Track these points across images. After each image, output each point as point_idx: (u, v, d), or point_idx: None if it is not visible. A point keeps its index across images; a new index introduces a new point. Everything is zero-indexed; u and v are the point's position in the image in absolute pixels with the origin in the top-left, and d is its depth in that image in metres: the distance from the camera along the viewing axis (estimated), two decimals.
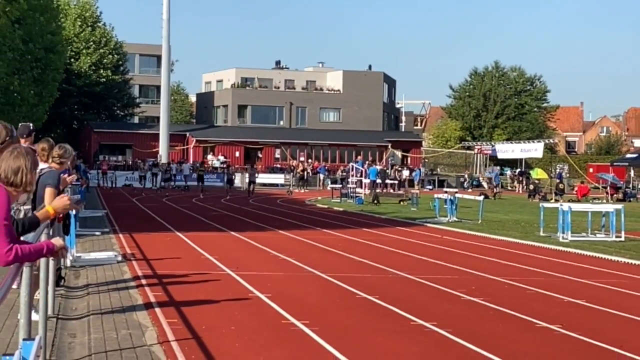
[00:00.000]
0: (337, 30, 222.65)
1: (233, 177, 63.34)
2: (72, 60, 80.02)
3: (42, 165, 10.29)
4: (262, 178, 69.98)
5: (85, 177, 55.31)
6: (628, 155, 70.14)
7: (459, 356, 9.03)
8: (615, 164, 67.78)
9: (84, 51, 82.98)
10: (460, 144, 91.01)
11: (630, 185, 61.52)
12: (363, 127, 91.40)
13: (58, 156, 11.00)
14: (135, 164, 75.25)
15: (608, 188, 58.17)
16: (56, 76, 54.00)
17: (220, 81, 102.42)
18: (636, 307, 12.54)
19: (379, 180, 55.64)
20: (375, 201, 44.58)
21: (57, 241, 5.69)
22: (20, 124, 11.84)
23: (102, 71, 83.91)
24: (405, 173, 72.43)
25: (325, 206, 41.65)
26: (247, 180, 56.80)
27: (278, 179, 71.92)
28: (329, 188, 54.76)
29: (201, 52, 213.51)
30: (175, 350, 8.82)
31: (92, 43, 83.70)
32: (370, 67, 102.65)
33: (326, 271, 15.75)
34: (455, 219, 31.16)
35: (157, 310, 11.18)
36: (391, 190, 58.19)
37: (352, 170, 55.65)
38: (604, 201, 48.66)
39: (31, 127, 11.73)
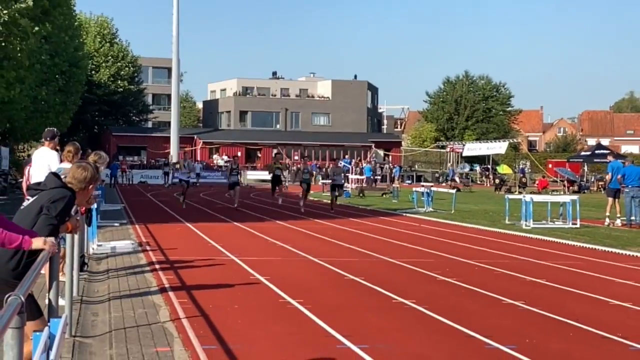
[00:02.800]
0: (326, 45, 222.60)
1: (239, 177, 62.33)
2: (93, 72, 79.93)
3: (65, 165, 10.23)
4: (261, 175, 69.96)
5: (114, 174, 55.44)
6: (582, 153, 70.07)
7: (436, 330, 9.03)
8: (571, 160, 67.83)
9: (103, 64, 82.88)
10: (435, 144, 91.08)
11: (584, 179, 61.61)
12: (349, 130, 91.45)
13: (93, 162, 10.91)
14: (149, 162, 75.18)
15: (565, 181, 58.27)
16: (79, 87, 53.90)
17: (223, 90, 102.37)
18: (590, 285, 12.56)
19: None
20: (361, 194, 44.63)
21: (37, 242, 5.25)
22: (46, 129, 11.81)
23: (119, 82, 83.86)
24: (386, 168, 72.41)
25: (317, 199, 41.61)
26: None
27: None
28: (320, 183, 54.75)
29: (207, 65, 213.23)
30: (186, 326, 8.81)
31: (110, 57, 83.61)
32: (355, 76, 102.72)
33: (318, 256, 15.75)
34: (431, 209, 31.15)
35: (170, 291, 11.17)
36: (374, 185, 58.16)
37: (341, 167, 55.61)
38: (562, 193, 48.71)
39: (55, 132, 11.69)
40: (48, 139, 11.64)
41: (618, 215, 25.19)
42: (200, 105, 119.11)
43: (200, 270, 13.60)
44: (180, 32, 78.76)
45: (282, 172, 33.14)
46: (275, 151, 27.51)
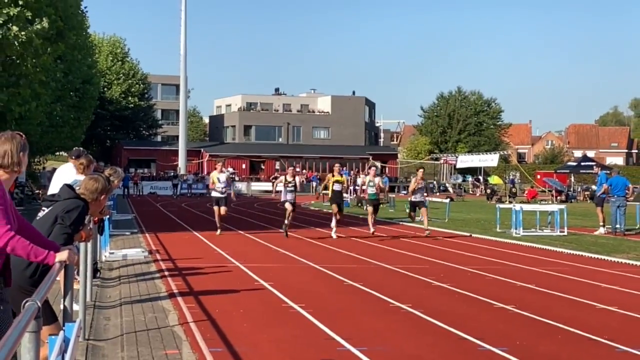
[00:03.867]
0: (326, 62, 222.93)
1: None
2: (105, 89, 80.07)
3: (78, 177, 10.20)
4: (265, 186, 70.11)
5: (126, 185, 55.39)
6: (569, 164, 70.11)
7: (431, 332, 9.02)
8: (558, 171, 67.80)
9: (115, 82, 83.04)
10: (429, 156, 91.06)
11: (571, 189, 61.57)
12: (348, 143, 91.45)
13: (108, 175, 10.85)
14: (159, 174, 75.21)
15: (553, 191, 58.22)
16: (92, 103, 53.93)
17: (229, 105, 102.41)
18: (577, 290, 12.54)
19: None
20: (359, 204, 44.57)
21: (61, 256, 5.11)
22: (74, 148, 11.70)
23: (130, 98, 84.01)
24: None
25: (317, 209, 41.59)
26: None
27: (279, 186, 71.64)
28: (320, 194, 54.74)
29: (213, 81, 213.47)
30: (194, 330, 8.80)
31: (121, 75, 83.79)
32: (354, 92, 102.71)
33: (318, 263, 15.73)
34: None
35: (178, 297, 11.15)
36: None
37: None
38: (550, 202, 48.67)
39: (81, 151, 11.59)
40: (74, 157, 11.63)
41: (601, 223, 25.18)
42: (206, 120, 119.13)
43: (207, 276, 13.58)
44: (187, 51, 78.94)
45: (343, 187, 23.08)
46: (336, 165, 23.89)
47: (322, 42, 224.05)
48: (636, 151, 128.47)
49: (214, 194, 23.05)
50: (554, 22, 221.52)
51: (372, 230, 22.51)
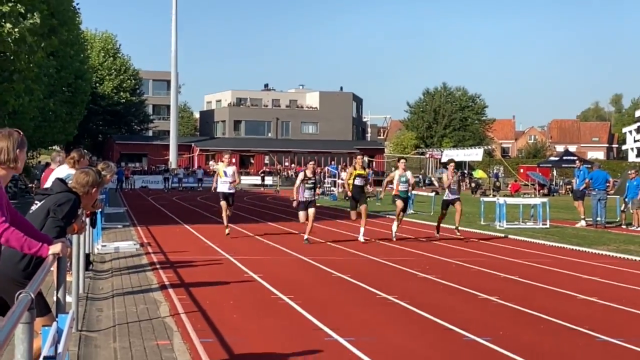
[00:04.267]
0: (314, 58, 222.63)
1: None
2: (97, 84, 79.75)
3: (71, 171, 10.15)
4: (254, 180, 70.20)
5: (120, 179, 55.25)
6: (551, 158, 70.30)
7: (417, 323, 9.04)
8: (541, 165, 67.97)
9: (106, 77, 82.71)
10: (415, 151, 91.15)
11: (554, 183, 61.77)
12: (336, 138, 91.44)
13: (100, 170, 10.79)
14: (150, 169, 75.06)
15: (536, 185, 58.41)
16: (84, 98, 53.74)
17: (219, 101, 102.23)
18: (559, 281, 12.60)
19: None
20: (347, 197, 44.56)
21: (54, 248, 5.09)
22: (74, 149, 11.53)
23: (122, 94, 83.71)
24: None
25: None
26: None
27: (267, 180, 71.84)
28: (347, 190, 54.76)
29: (203, 77, 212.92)
30: (185, 321, 8.79)
31: (113, 71, 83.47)
32: (341, 88, 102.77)
33: (307, 255, 15.74)
34: (412, 211, 31.17)
35: (169, 288, 11.14)
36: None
37: (328, 172, 55.71)
38: (533, 195, 48.82)
39: (81, 152, 11.47)
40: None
41: (582, 216, 25.31)
42: (197, 115, 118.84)
43: (198, 268, 13.57)
44: (178, 47, 78.75)
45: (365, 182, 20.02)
46: (359, 156, 20.68)
47: (310, 39, 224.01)
48: (616, 146, 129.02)
49: (220, 188, 19.48)
50: (536, 19, 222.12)
51: (395, 230, 19.71)
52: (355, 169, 19.30)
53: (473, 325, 8.73)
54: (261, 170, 76.60)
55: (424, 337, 8.27)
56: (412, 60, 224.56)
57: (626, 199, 25.78)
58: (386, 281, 12.28)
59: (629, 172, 27.77)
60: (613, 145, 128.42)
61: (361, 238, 18.72)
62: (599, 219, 24.62)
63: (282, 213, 31.05)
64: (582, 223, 25.02)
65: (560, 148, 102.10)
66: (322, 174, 61.38)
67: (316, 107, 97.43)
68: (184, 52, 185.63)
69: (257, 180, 71.44)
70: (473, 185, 60.11)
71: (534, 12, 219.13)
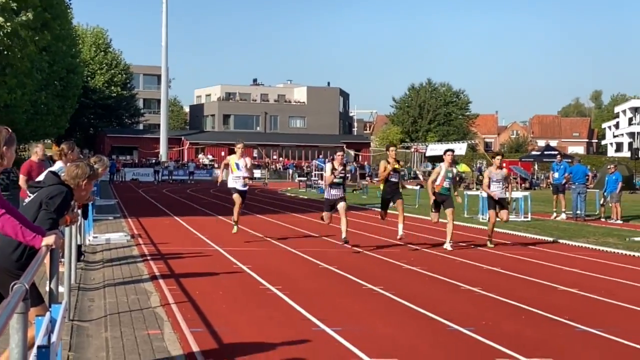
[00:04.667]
0: (302, 54, 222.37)
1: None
2: (89, 79, 79.42)
3: (59, 165, 10.13)
4: (243, 173, 70.01)
5: (112, 172, 55.07)
6: (533, 153, 70.59)
7: (402, 313, 9.07)
8: (523, 160, 68.20)
9: (98, 71, 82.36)
10: (400, 145, 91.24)
11: (535, 177, 61.98)
12: (323, 132, 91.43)
13: (93, 163, 10.72)
14: (141, 161, 74.87)
15: (518, 179, 58.60)
16: (76, 92, 53.47)
17: (208, 95, 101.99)
18: (540, 272, 12.66)
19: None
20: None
21: (47, 240, 5.10)
22: (64, 142, 11.45)
23: (113, 88, 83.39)
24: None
25: (294, 195, 41.62)
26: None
27: (256, 173, 71.82)
28: (296, 180, 54.75)
29: (193, 72, 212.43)
30: (175, 311, 8.79)
31: (104, 65, 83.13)
32: (329, 83, 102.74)
33: (295, 247, 15.75)
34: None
35: (160, 279, 11.13)
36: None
37: (315, 166, 55.74)
38: (515, 189, 48.94)
39: (70, 143, 11.40)
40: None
41: (563, 209, 25.42)
42: (187, 109, 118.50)
43: (188, 259, 13.56)
44: (168, 42, 78.51)
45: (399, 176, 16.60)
46: (391, 148, 16.23)
47: (298, 35, 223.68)
48: (596, 141, 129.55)
49: (231, 184, 17.08)
50: (520, 17, 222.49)
51: (449, 240, 16.08)
52: (389, 162, 16.00)
53: (457, 316, 8.77)
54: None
55: (409, 327, 8.30)
56: (398, 56, 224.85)
57: (605, 193, 25.92)
58: (372, 272, 12.31)
59: (608, 167, 27.94)
60: (593, 141, 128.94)
61: (400, 232, 16.01)
62: (578, 212, 24.74)
63: (271, 205, 31.07)
64: (563, 216, 25.14)
65: (541, 143, 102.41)
66: (309, 167, 61.47)
67: (304, 102, 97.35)
68: (174, 47, 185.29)
69: (245, 173, 71.35)
70: (457, 179, 60.25)
71: (517, 9, 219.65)
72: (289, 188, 49.65)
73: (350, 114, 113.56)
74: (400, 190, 16.65)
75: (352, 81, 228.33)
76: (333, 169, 15.38)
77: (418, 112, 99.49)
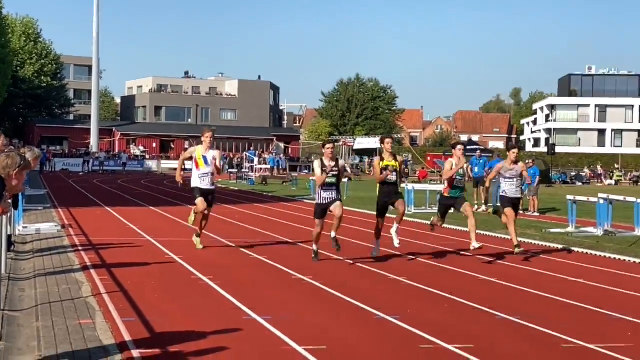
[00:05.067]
0: (234, 47, 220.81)
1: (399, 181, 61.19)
2: (19, 68, 77.48)
3: None
4: (174, 164, 69.62)
5: (43, 162, 53.78)
6: None
7: (331, 302, 9.15)
8: (447, 154, 69.14)
9: (28, 61, 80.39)
10: (329, 138, 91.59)
11: None
12: (254, 124, 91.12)
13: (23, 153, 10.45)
14: (71, 152, 73.43)
15: (442, 172, 59.46)
16: (5, 81, 52.18)
17: (140, 87, 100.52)
18: (462, 262, 12.89)
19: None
20: (264, 182, 44.62)
21: None
22: None
23: (43, 78, 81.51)
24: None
25: (225, 186, 41.42)
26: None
27: (188, 164, 71.15)
28: (227, 172, 54.48)
29: (125, 64, 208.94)
30: (107, 301, 8.68)
31: (34, 55, 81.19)
32: (259, 77, 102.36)
33: (226, 237, 15.69)
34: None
35: (91, 269, 10.96)
36: (276, 174, 58.18)
37: (246, 158, 55.56)
38: (439, 182, 49.66)
39: None
40: None
41: (483, 202, 25.95)
42: (118, 100, 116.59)
43: (119, 250, 13.38)
44: (100, 33, 77.10)
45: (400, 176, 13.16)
46: (387, 140, 12.47)
47: (229, 27, 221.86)
48: (515, 136, 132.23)
49: (196, 182, 13.51)
50: (444, 15, 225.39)
51: (475, 245, 12.99)
52: (382, 159, 12.79)
53: (383, 305, 8.88)
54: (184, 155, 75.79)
55: (338, 315, 8.37)
56: (327, 52, 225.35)
57: (523, 187, 26.48)
58: (301, 262, 12.36)
59: (527, 162, 28.55)
60: (512, 136, 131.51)
61: (395, 241, 13.19)
62: (498, 204, 25.21)
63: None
64: (483, 208, 25.65)
65: (464, 137, 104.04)
66: (240, 159, 61.24)
67: (235, 95, 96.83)
68: (106, 39, 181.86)
69: (176, 164, 70.88)
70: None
71: (442, 8, 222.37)
72: (219, 180, 49.34)
73: (281, 107, 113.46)
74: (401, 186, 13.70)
75: (283, 75, 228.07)
76: (323, 166, 12.12)
77: (346, 107, 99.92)
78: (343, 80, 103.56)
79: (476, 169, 26.69)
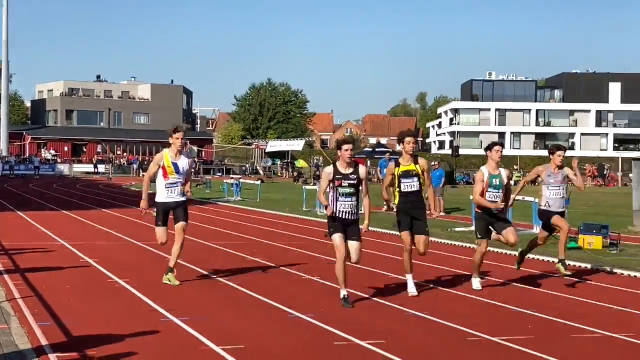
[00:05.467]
0: (146, 51, 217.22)
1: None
2: None
3: None
4: (87, 168, 68.35)
5: None
6: (365, 150, 72.52)
7: (247, 302, 9.16)
8: (356, 156, 69.73)
9: None
10: (242, 142, 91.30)
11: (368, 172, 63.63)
12: (167, 128, 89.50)
13: None
14: None
15: None
16: None
17: (51, 91, 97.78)
18: (369, 261, 13.03)
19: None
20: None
21: None
22: None
23: None
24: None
25: (139, 190, 40.75)
26: None
27: (101, 168, 69.87)
28: (141, 175, 53.72)
29: (35, 67, 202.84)
30: (22, 306, 8.46)
31: None
32: (172, 81, 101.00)
33: (139, 240, 15.50)
34: (240, 198, 31.30)
35: (5, 274, 10.65)
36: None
37: None
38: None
39: None
40: None
41: (392, 203, 26.34)
42: (28, 104, 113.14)
43: (33, 255, 13.04)
44: (9, 37, 74.81)
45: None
46: (407, 138, 9.90)
47: (141, 32, 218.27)
48: (421, 139, 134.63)
49: (162, 197, 10.61)
50: (353, 21, 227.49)
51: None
52: (397, 165, 10.24)
53: (298, 304, 8.94)
54: (95, 159, 74.32)
55: (253, 315, 8.39)
56: (239, 56, 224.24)
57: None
58: (217, 264, 12.31)
59: (433, 164, 29.16)
60: (419, 139, 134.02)
61: (413, 289, 9.80)
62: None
63: (115, 200, 30.31)
64: (393, 207, 26.06)
65: (373, 140, 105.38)
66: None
67: (148, 99, 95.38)
68: (16, 42, 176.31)
69: (90, 168, 69.54)
70: (295, 174, 61.03)
71: (350, 14, 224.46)
72: (133, 183, 48.50)
73: (194, 111, 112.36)
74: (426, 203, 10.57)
75: (196, 79, 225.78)
76: (336, 174, 9.15)
77: (259, 111, 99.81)
78: (255, 85, 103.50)
79: (385, 171, 27.12)
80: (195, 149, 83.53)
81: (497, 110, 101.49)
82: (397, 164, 10.15)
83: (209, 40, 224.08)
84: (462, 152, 71.59)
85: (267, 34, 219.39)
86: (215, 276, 11.00)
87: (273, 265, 12.43)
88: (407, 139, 10.04)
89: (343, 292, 9.06)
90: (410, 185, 10.04)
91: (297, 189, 41.33)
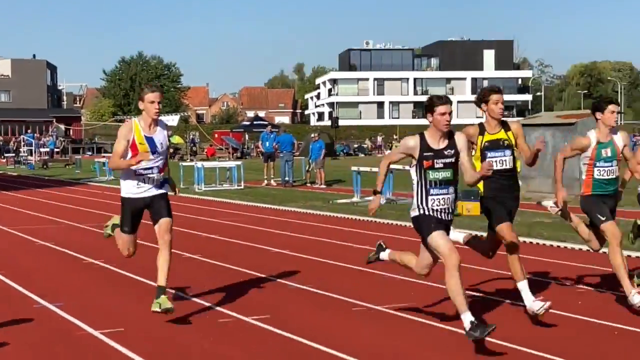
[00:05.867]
0: (5, 24, 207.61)
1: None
2: None
3: None
4: None
5: None
6: (243, 123, 72.40)
7: (123, 284, 9.08)
8: (234, 130, 69.68)
9: None
10: (113, 118, 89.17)
11: (246, 146, 63.62)
12: (31, 106, 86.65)
13: None
14: None
15: (230, 149, 59.83)
16: None
17: None
18: (255, 237, 13.14)
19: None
20: (45, 166, 42.80)
21: None
22: None
23: None
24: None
25: (2, 172, 39.22)
26: None
27: None
28: (3, 157, 51.71)
29: None
30: None
31: None
32: (34, 55, 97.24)
33: (8, 225, 14.98)
34: (112, 177, 30.66)
35: None
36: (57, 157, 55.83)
37: (24, 141, 52.91)
38: (227, 159, 50.01)
39: None
40: None
41: (272, 176, 26.57)
42: None
43: None
44: None
45: None
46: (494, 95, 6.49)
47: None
48: (300, 111, 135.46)
49: (128, 188, 7.55)
50: None
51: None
52: (482, 130, 7.25)
53: (177, 282, 8.90)
54: None
55: (133, 297, 8.31)
56: (107, 29, 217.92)
57: (310, 160, 27.41)
58: (91, 246, 12.06)
59: (312, 136, 29.48)
60: (297, 111, 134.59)
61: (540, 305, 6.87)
62: (287, 178, 25.91)
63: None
64: (273, 182, 26.24)
65: (250, 113, 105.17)
66: (17, 142, 58.09)
67: (8, 75, 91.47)
68: None
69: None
70: (171, 150, 60.19)
71: None
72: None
73: (59, 87, 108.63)
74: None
75: (60, 53, 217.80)
76: (426, 149, 6.41)
77: (130, 85, 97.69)
78: (125, 59, 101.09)
79: (267, 144, 27.22)
80: (62, 127, 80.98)
81: (375, 79, 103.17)
82: (481, 130, 7.25)
83: (73, 10, 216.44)
84: (341, 122, 72.42)
85: (137, 4, 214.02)
86: (90, 259, 10.79)
87: (150, 244, 12.27)
88: (494, 97, 7.18)
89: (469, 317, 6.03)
90: (501, 161, 7.13)
91: (173, 165, 40.68)
